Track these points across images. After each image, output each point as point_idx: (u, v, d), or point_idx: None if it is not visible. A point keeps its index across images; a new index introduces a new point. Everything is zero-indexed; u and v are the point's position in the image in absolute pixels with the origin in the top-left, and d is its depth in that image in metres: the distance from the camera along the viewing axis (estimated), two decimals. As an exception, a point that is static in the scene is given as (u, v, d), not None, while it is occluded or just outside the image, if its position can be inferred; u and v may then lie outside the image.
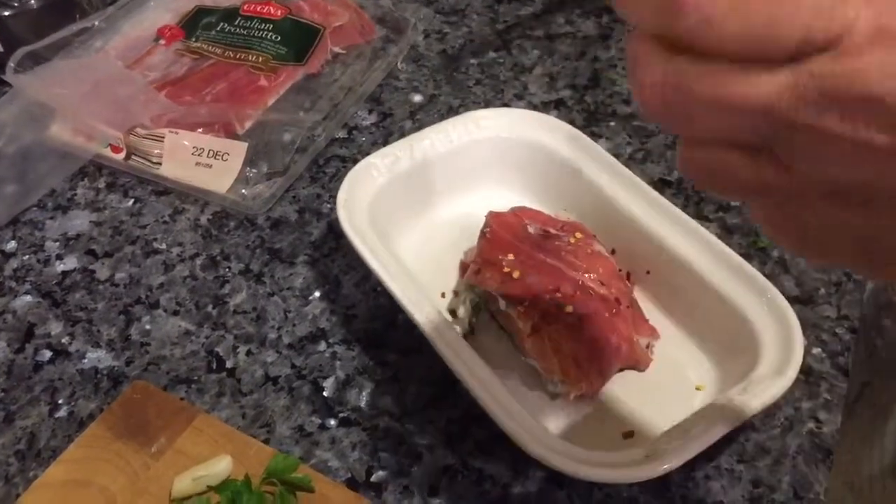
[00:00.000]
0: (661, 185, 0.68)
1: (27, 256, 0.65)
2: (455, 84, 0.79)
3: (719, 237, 0.57)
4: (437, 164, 0.63)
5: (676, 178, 0.69)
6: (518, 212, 0.60)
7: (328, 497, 0.47)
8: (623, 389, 0.55)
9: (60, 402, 0.56)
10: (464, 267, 0.60)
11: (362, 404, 0.55)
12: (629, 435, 0.52)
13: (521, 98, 0.77)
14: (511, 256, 0.57)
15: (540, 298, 0.54)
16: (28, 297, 0.62)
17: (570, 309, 0.54)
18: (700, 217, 0.65)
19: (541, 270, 0.56)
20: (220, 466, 0.47)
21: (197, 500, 0.46)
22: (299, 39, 0.79)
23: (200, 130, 0.71)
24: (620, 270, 0.58)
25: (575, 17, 0.86)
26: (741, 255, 0.56)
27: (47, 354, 0.58)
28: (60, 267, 0.64)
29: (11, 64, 0.72)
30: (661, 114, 0.26)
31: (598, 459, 0.47)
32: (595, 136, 0.71)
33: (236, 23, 0.81)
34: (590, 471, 0.46)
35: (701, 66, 0.24)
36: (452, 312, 0.59)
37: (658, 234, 0.58)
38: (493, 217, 0.60)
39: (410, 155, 0.63)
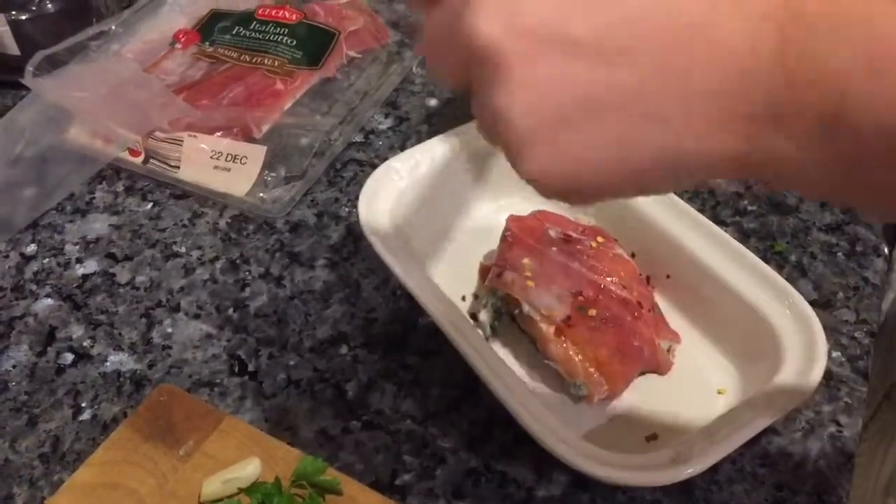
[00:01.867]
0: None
1: (47, 259, 0.65)
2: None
3: (737, 240, 0.58)
4: (458, 167, 0.64)
5: (693, 183, 0.69)
6: (539, 215, 0.60)
7: (356, 500, 0.47)
8: (645, 393, 0.55)
9: (84, 405, 0.56)
10: (484, 270, 0.60)
11: (385, 407, 0.55)
12: (652, 438, 0.52)
13: (536, 102, 0.77)
14: (532, 260, 0.57)
15: (562, 302, 0.55)
16: (49, 301, 0.62)
17: (592, 313, 0.54)
18: (716, 221, 0.65)
19: (563, 274, 0.56)
20: (250, 469, 0.47)
21: (227, 502, 0.46)
22: (314, 44, 0.80)
23: (219, 134, 0.71)
24: (641, 274, 0.59)
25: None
26: (759, 258, 0.56)
27: (69, 357, 0.59)
28: (81, 270, 0.64)
29: (30, 67, 0.72)
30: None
31: (624, 462, 0.47)
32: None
33: (252, 27, 0.81)
34: (615, 473, 0.46)
35: None
36: (473, 316, 0.59)
37: (678, 238, 0.58)
38: (513, 221, 0.60)
39: (431, 158, 0.63)
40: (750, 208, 0.67)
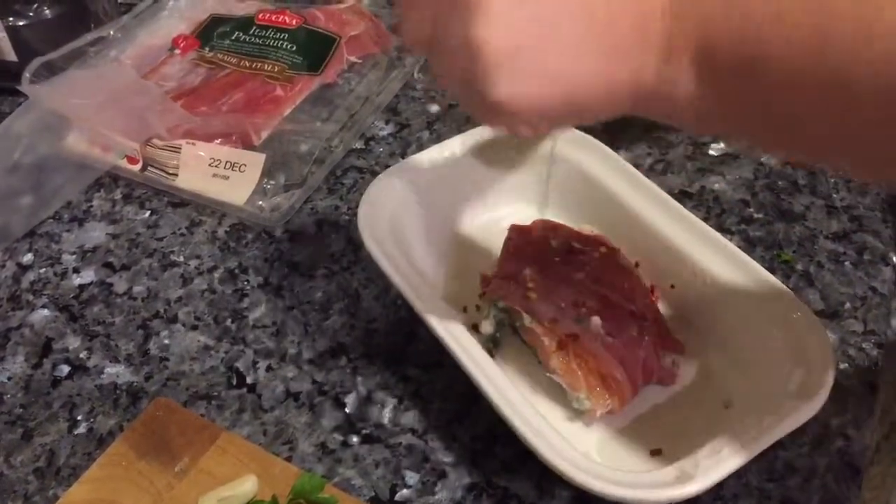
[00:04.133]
0: (681, 196, 0.67)
1: (44, 269, 0.64)
2: (472, 94, 0.78)
3: (742, 249, 0.57)
4: (459, 175, 0.63)
5: (697, 190, 0.68)
6: (541, 225, 0.60)
7: (355, 518, 0.47)
8: (649, 406, 0.54)
9: (79, 418, 0.55)
10: (486, 281, 0.60)
11: (385, 421, 0.55)
12: (657, 452, 0.51)
13: (539, 108, 0.76)
14: (534, 271, 0.56)
15: (565, 314, 0.54)
16: (45, 311, 0.61)
17: (595, 324, 0.53)
18: (721, 229, 0.64)
19: (565, 285, 0.55)
20: (246, 486, 0.47)
21: (224, 521, 0.45)
22: (315, 49, 0.79)
23: (217, 141, 0.70)
24: (645, 284, 0.58)
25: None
26: (765, 267, 0.55)
27: (65, 369, 0.58)
28: (77, 280, 0.64)
29: (27, 74, 0.71)
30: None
31: (627, 479, 0.46)
32: (615, 148, 0.70)
33: (251, 32, 0.80)
34: (619, 491, 0.45)
35: None
36: (475, 327, 0.58)
37: (682, 248, 0.57)
38: (515, 230, 0.59)
39: (432, 166, 0.62)
40: (756, 216, 0.66)
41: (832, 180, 0.69)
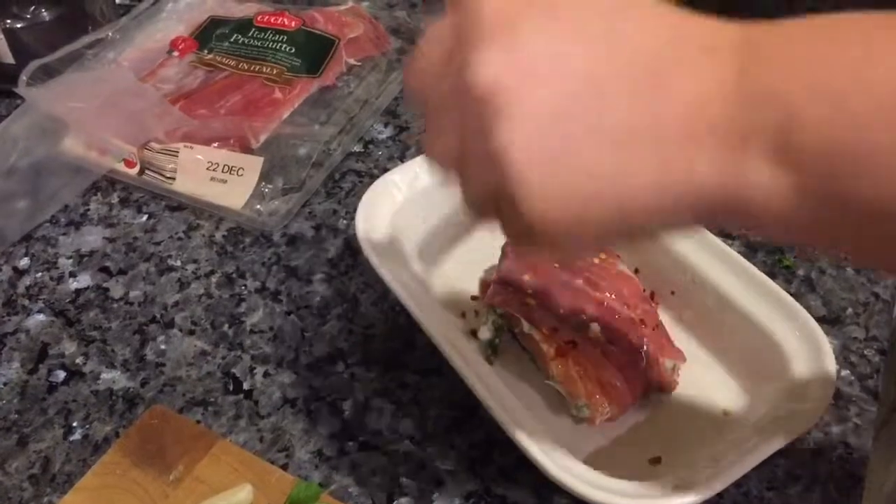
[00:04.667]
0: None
1: (40, 273, 0.64)
2: (472, 97, 0.78)
3: (743, 255, 0.56)
4: (457, 180, 0.62)
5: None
6: (540, 230, 0.59)
7: (351, 527, 0.46)
8: (649, 413, 0.54)
9: (75, 424, 0.55)
10: (485, 286, 0.59)
11: (382, 428, 0.54)
12: (656, 461, 0.51)
13: (539, 111, 0.76)
14: (534, 277, 0.56)
15: (564, 320, 0.53)
16: (41, 316, 0.61)
17: (595, 331, 0.53)
18: (722, 234, 0.63)
19: (565, 291, 0.55)
20: (241, 495, 0.46)
21: (218, 531, 0.45)
22: (314, 51, 0.78)
23: (215, 145, 0.70)
24: (644, 291, 0.57)
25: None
26: (765, 273, 0.55)
27: (61, 375, 0.57)
28: (74, 284, 0.63)
29: (24, 77, 0.71)
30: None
31: (626, 489, 0.46)
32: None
33: (250, 34, 0.80)
34: (618, 500, 0.45)
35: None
36: (473, 333, 0.58)
37: (683, 254, 0.57)
38: (514, 236, 0.59)
39: (430, 170, 0.61)
40: (757, 221, 0.66)
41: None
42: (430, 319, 0.52)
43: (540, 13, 0.32)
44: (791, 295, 0.54)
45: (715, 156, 0.31)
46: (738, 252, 0.57)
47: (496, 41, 0.32)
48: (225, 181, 0.68)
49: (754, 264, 0.55)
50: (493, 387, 0.49)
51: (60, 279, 0.64)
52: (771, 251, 0.64)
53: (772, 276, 0.57)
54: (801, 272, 0.62)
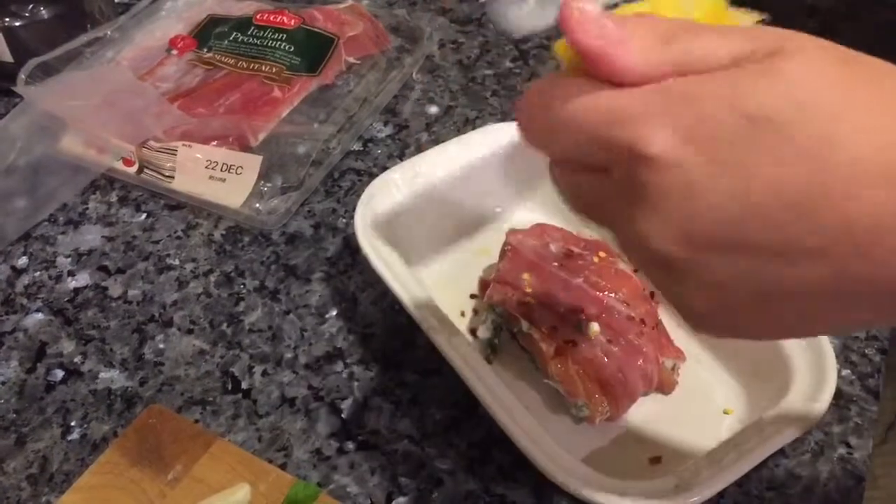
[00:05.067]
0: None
1: (38, 273, 0.64)
2: (471, 95, 0.77)
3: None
4: (457, 179, 0.62)
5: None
6: (540, 230, 0.59)
7: (349, 527, 0.46)
8: (649, 413, 0.53)
9: (73, 423, 0.55)
10: (484, 285, 0.59)
11: (381, 427, 0.54)
12: (656, 460, 0.51)
13: (539, 110, 0.76)
14: (533, 276, 0.55)
15: (563, 320, 0.53)
16: (39, 315, 0.61)
17: (594, 330, 0.52)
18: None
19: (564, 291, 0.54)
20: (239, 495, 0.46)
21: (215, 531, 0.45)
22: (313, 49, 0.78)
23: (214, 143, 0.70)
24: (644, 290, 0.57)
25: (592, 27, 0.84)
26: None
27: (59, 374, 0.57)
28: (72, 283, 0.63)
29: (22, 75, 0.71)
30: (526, 128, 0.34)
31: (626, 489, 0.45)
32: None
33: (249, 32, 0.80)
34: (617, 500, 0.44)
35: (557, 87, 0.31)
36: (472, 332, 0.57)
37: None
38: (513, 235, 0.59)
39: (430, 170, 0.61)
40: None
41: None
42: (429, 319, 0.52)
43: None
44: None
45: None
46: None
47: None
48: (224, 180, 0.68)
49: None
50: (492, 386, 0.49)
51: (59, 278, 0.63)
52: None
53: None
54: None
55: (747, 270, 0.29)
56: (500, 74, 0.80)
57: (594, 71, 0.30)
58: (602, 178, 0.32)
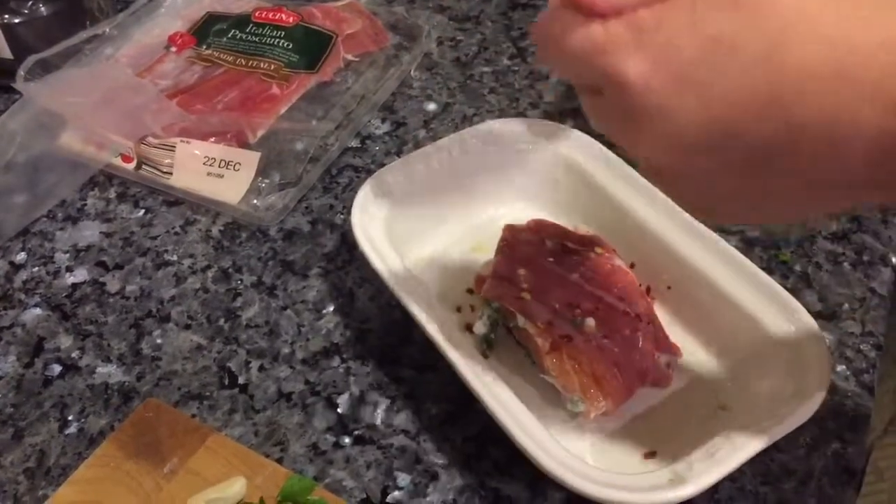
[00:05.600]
0: (680, 196, 0.67)
1: (37, 268, 0.64)
2: (469, 92, 0.78)
3: (740, 250, 0.56)
4: (454, 174, 0.62)
5: (696, 190, 0.68)
6: (535, 225, 0.59)
7: (343, 521, 0.46)
8: (644, 408, 0.54)
9: (70, 418, 0.55)
10: (480, 281, 0.59)
11: (377, 422, 0.54)
12: (651, 455, 0.51)
13: (536, 107, 0.76)
14: (529, 271, 0.56)
15: (559, 315, 0.53)
16: (37, 310, 0.61)
17: (589, 326, 0.53)
18: (720, 229, 0.63)
19: (559, 286, 0.55)
20: (235, 488, 0.46)
21: (211, 523, 0.45)
22: (311, 47, 0.78)
23: (212, 140, 0.70)
24: (641, 285, 0.57)
25: (591, 24, 0.85)
26: (762, 268, 0.55)
27: (57, 369, 0.58)
28: (70, 279, 0.63)
29: (21, 72, 0.71)
30: (539, 55, 0.39)
31: (621, 482, 0.46)
32: (611, 145, 0.69)
33: (248, 30, 0.80)
34: (612, 493, 0.45)
35: (554, 21, 0.36)
36: (468, 328, 0.57)
37: (679, 249, 0.57)
38: (510, 230, 0.59)
39: (426, 165, 0.62)
40: (754, 216, 0.66)
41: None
42: (426, 314, 0.52)
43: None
44: (787, 290, 0.54)
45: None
46: (735, 247, 0.56)
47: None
48: (221, 176, 0.68)
49: (751, 259, 0.55)
50: (488, 381, 0.49)
51: (57, 274, 0.64)
52: (767, 246, 0.64)
53: (768, 271, 0.57)
54: (797, 267, 0.62)
55: (723, 165, 0.34)
56: (498, 72, 0.80)
57: (578, 7, 0.35)
58: (603, 99, 0.36)
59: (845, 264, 0.62)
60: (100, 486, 0.48)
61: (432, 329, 0.51)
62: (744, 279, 0.55)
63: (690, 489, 0.44)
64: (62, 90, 0.71)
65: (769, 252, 0.63)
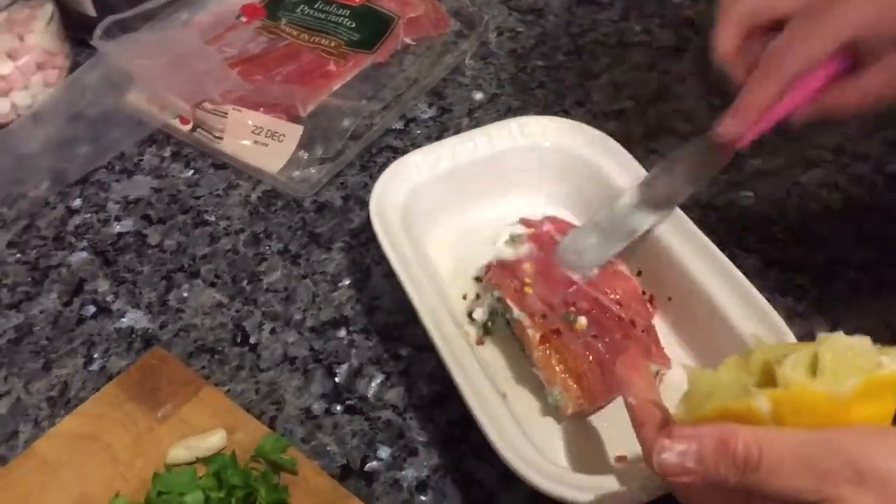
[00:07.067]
0: (705, 209, 0.66)
1: (89, 215, 0.69)
2: (518, 85, 0.79)
3: (757, 269, 0.56)
4: (477, 166, 0.64)
5: (723, 204, 0.67)
6: (549, 222, 0.60)
7: (309, 481, 0.49)
8: (624, 413, 0.54)
9: (95, 356, 0.59)
10: (488, 269, 0.61)
11: (369, 394, 0.57)
12: (622, 459, 0.52)
13: (581, 105, 0.76)
14: (533, 265, 0.57)
15: (554, 310, 0.55)
16: (84, 254, 0.66)
17: (581, 324, 0.54)
18: (741, 247, 0.63)
19: (558, 283, 0.56)
20: (214, 439, 0.50)
21: (184, 468, 0.48)
22: (373, 27, 0.81)
23: (261, 110, 0.73)
24: (644, 293, 0.58)
25: (653, 27, 0.84)
26: (778, 290, 0.54)
27: (91, 310, 0.62)
28: (117, 228, 0.68)
29: (99, 31, 0.76)
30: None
31: (583, 483, 0.47)
32: (649, 152, 0.69)
33: (316, 6, 0.83)
34: (573, 493, 0.46)
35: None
36: (470, 315, 0.59)
37: (684, 263, 0.57)
38: (522, 223, 0.60)
39: (452, 155, 0.63)
40: (779, 236, 0.65)
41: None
42: (425, 297, 0.54)
43: None
44: (798, 315, 0.53)
45: None
46: (754, 266, 0.55)
47: None
48: (266, 145, 0.71)
49: (767, 279, 0.54)
50: (470, 371, 0.51)
51: (106, 222, 0.69)
52: (785, 268, 0.62)
53: (783, 293, 0.57)
54: (813, 292, 0.61)
55: None
56: (551, 67, 0.81)
57: None
58: None
59: (864, 296, 0.61)
60: (99, 421, 0.52)
61: (425, 312, 0.53)
62: (743, 304, 0.53)
63: (648, 494, 0.45)
64: (134, 51, 0.76)
65: (787, 273, 0.62)
